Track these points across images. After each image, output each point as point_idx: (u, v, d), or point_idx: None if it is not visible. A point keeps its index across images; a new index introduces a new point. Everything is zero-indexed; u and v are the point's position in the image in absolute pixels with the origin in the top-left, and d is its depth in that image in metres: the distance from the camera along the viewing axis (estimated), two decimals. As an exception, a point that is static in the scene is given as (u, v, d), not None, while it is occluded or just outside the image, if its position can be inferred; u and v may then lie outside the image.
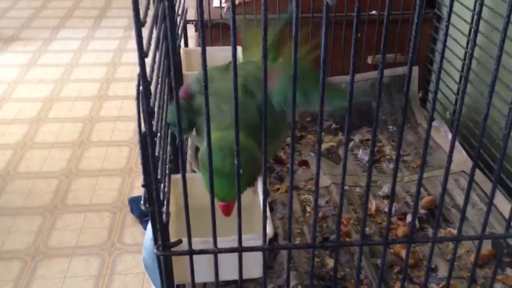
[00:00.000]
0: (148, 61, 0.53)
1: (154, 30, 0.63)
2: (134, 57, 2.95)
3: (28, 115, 2.31)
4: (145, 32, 0.51)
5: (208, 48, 0.68)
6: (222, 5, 1.50)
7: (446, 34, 0.53)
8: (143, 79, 0.50)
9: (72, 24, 3.34)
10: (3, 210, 1.75)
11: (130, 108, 2.38)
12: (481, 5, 0.52)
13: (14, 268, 1.52)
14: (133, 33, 3.20)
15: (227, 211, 0.73)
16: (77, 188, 1.86)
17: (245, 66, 0.90)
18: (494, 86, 0.58)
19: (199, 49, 0.52)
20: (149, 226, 0.82)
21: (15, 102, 2.42)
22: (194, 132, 0.87)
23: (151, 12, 0.60)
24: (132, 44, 3.06)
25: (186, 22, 1.30)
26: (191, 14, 1.67)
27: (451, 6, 0.51)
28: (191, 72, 1.13)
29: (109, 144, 2.11)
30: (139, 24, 0.46)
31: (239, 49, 1.08)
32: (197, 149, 1.07)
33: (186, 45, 1.34)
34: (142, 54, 0.48)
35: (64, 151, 2.06)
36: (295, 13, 0.51)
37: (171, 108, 0.82)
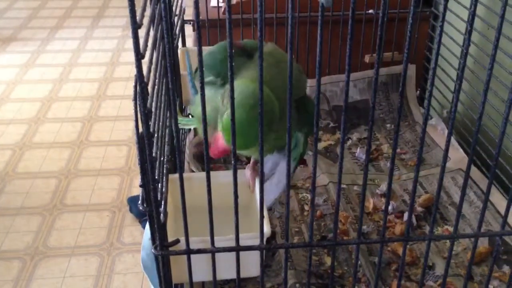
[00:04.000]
0: (145, 61, 0.53)
1: (151, 30, 0.63)
2: (132, 56, 2.91)
3: (27, 115, 2.31)
4: (142, 32, 0.51)
5: (204, 48, 0.68)
6: (220, 5, 1.50)
7: (441, 32, 0.53)
8: (140, 80, 0.50)
9: (70, 24, 3.34)
10: (2, 210, 1.75)
11: (129, 107, 2.39)
12: (475, 3, 0.52)
13: (13, 268, 1.53)
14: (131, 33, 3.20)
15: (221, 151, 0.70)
16: (76, 188, 1.86)
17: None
18: (489, 84, 0.58)
19: (196, 48, 0.52)
20: (147, 225, 0.82)
21: (13, 102, 2.42)
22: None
23: (147, 12, 0.60)
24: (131, 43, 3.04)
25: (184, 22, 1.30)
26: (189, 14, 1.67)
27: (446, 5, 0.52)
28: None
29: (108, 144, 2.12)
30: (135, 26, 0.46)
31: None
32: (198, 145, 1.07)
33: (184, 44, 1.34)
34: (139, 56, 0.48)
35: (63, 151, 2.06)
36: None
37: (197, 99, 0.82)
